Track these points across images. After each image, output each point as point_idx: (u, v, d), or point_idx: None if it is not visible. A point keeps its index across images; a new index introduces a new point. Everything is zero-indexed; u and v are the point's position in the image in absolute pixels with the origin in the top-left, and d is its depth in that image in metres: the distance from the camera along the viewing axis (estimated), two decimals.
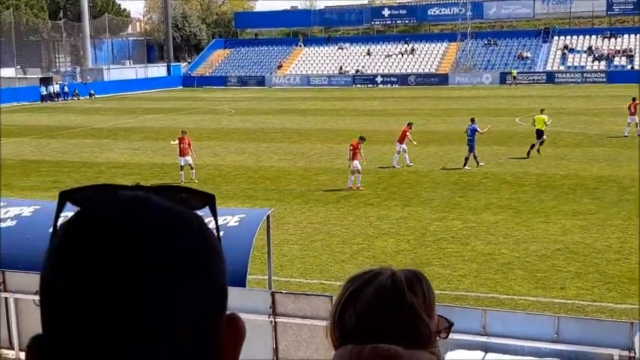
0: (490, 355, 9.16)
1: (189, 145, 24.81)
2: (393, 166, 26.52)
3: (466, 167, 25.82)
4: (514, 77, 72.85)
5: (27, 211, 12.25)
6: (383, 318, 1.57)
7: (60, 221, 0.90)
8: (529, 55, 78.39)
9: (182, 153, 24.69)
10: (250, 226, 11.42)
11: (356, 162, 22.66)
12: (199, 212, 0.96)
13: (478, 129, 26.12)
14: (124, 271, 0.83)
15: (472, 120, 26.94)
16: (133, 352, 0.83)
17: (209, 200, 0.99)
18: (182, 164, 24.76)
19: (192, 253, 0.88)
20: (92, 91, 72.00)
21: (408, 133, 26.87)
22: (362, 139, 23.52)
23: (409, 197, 21.52)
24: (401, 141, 26.77)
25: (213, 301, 0.91)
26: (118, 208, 0.88)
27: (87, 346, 0.83)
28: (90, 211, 0.89)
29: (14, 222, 12.01)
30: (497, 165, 26.37)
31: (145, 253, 0.84)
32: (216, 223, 0.97)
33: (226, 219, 11.31)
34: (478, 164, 25.93)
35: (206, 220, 0.96)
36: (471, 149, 26.06)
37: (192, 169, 24.82)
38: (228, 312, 0.95)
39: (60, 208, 0.92)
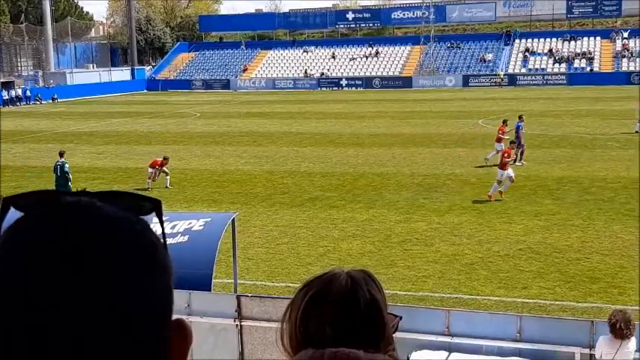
0: (454, 355, 9.27)
1: (161, 166, 24.46)
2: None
3: (523, 162, 26.70)
4: (502, 78, 73.16)
5: None
6: (350, 319, 1.57)
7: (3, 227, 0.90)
8: (491, 57, 79.25)
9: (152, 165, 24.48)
10: (216, 229, 11.43)
11: (509, 170, 21.53)
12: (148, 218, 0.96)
13: (521, 127, 27.26)
14: (62, 275, 0.83)
15: (520, 117, 28.03)
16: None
17: (155, 206, 0.98)
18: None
19: (134, 258, 0.88)
20: (55, 95, 71.13)
21: (503, 131, 27.18)
22: (513, 143, 23.53)
23: (374, 199, 21.65)
24: (499, 140, 26.80)
25: (157, 307, 0.90)
26: (60, 212, 0.88)
27: (20, 350, 0.83)
28: (31, 216, 0.89)
29: None
30: (460, 167, 26.64)
31: (85, 258, 0.85)
32: (163, 229, 0.95)
33: (191, 223, 11.31)
34: (515, 161, 26.34)
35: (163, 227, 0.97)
36: (521, 144, 26.89)
37: (167, 174, 24.48)
38: (175, 317, 0.94)
39: (3, 214, 0.91)
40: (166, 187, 24.08)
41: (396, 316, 1.75)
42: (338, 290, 1.60)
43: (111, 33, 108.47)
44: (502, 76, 73.61)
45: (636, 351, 8.15)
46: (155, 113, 53.08)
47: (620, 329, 7.94)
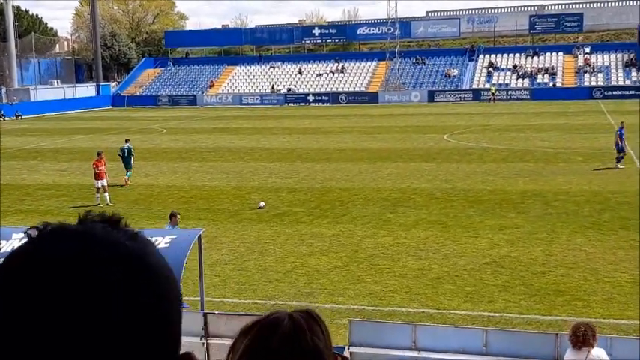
0: None
1: (103, 165, 24.42)
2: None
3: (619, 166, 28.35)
4: (493, 93, 72.21)
5: None
6: None
7: None
8: (456, 73, 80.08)
9: (98, 177, 24.25)
10: (182, 247, 11.34)
11: None
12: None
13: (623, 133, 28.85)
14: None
15: (621, 124, 29.68)
16: None
17: None
18: (98, 187, 24.27)
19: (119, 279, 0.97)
20: (19, 112, 70.22)
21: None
22: None
23: (341, 214, 21.70)
24: None
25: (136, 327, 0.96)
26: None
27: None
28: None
29: None
30: (426, 181, 26.83)
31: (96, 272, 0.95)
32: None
33: (157, 240, 11.22)
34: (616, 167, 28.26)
35: None
36: (622, 150, 28.58)
37: (105, 192, 24.32)
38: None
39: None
40: (108, 204, 23.94)
41: (343, 356, 1.72)
42: (280, 337, 1.53)
43: (75, 49, 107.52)
44: (494, 91, 72.64)
45: None
46: (121, 129, 52.64)
47: (572, 337, 8.12)
